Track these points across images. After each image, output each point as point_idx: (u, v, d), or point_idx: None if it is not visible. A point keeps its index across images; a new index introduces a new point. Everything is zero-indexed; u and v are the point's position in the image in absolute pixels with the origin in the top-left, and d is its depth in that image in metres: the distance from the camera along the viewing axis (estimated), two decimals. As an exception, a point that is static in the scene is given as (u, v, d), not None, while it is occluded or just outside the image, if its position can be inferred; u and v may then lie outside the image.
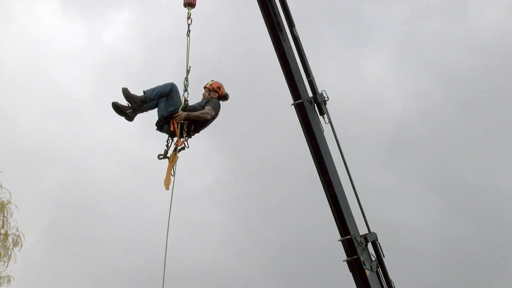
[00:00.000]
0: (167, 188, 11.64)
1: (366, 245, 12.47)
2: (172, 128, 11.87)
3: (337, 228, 12.35)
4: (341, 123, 12.97)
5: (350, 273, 12.29)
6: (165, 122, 12.01)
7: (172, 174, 11.76)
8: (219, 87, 12.68)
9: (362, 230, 12.59)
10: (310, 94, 12.58)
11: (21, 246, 21.61)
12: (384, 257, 12.67)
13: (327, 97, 12.68)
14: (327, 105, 12.65)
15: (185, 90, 12.24)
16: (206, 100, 12.43)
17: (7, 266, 21.24)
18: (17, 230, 21.62)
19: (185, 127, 11.95)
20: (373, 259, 12.53)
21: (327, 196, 12.30)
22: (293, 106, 12.32)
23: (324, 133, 12.50)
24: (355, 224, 12.49)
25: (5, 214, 21.32)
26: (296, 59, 12.52)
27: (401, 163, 31.27)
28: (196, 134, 12.19)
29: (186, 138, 12.02)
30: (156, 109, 12.11)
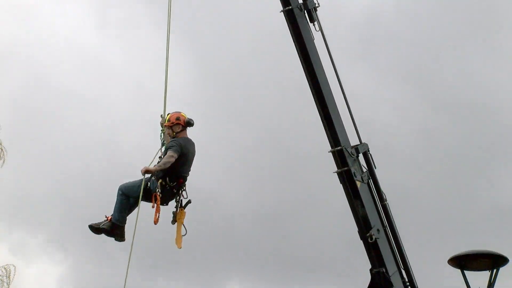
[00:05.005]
0: (179, 247, 11.24)
1: (357, 156, 12.44)
2: (153, 205, 11.05)
3: (327, 138, 12.27)
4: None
5: (341, 184, 12.28)
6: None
7: (183, 234, 11.27)
8: (178, 117, 11.40)
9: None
10: (300, 0, 12.26)
11: (4, 161, 21.46)
12: (375, 168, 12.66)
13: (318, 4, 12.43)
14: (317, 12, 12.39)
15: (163, 144, 11.46)
16: (168, 144, 11.36)
17: None
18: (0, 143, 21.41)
19: (167, 185, 11.17)
20: (364, 170, 12.51)
21: (317, 107, 12.18)
22: (281, 13, 11.99)
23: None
24: (346, 135, 12.43)
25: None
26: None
27: (374, 57, 30.60)
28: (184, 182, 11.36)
29: (182, 190, 11.31)
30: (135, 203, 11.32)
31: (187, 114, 11.44)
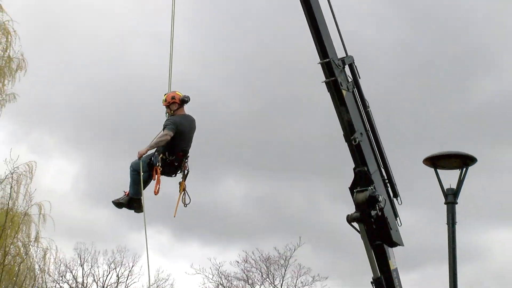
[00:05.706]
0: (174, 215, 12.08)
1: (344, 67, 13.11)
2: (154, 177, 11.83)
3: (316, 51, 12.92)
4: None
5: (328, 93, 12.99)
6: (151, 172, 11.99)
7: (184, 204, 12.08)
8: (173, 96, 12.15)
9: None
10: None
11: (26, 71, 22.35)
12: (360, 78, 13.36)
13: None
14: None
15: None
16: (164, 123, 12.02)
17: (12, 85, 22.20)
18: (21, 55, 22.26)
19: (167, 160, 11.85)
20: (350, 80, 13.17)
21: (308, 22, 12.79)
22: None
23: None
24: (334, 48, 13.07)
25: (8, 39, 21.82)
26: None
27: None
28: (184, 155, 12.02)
29: (184, 163, 12.01)
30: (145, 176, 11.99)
31: (184, 84, 12.19)
